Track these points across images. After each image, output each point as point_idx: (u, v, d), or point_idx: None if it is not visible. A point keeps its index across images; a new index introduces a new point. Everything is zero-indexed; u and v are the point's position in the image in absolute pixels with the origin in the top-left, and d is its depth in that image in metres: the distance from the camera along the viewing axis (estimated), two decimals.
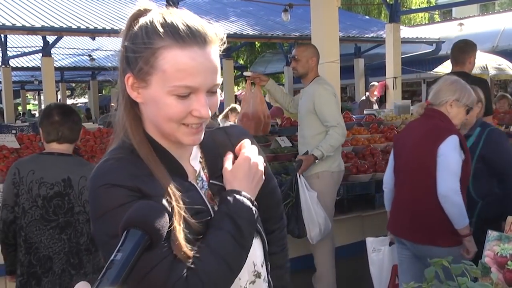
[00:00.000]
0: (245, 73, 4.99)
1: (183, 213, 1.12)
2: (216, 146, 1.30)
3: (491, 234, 2.01)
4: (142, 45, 1.12)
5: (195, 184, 1.23)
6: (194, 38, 1.11)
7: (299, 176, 4.22)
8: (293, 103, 4.85)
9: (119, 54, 1.20)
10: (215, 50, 1.15)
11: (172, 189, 1.14)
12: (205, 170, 1.27)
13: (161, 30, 1.11)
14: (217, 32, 1.17)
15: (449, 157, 3.00)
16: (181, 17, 1.14)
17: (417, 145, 3.18)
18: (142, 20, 1.15)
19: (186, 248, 1.10)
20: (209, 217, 1.19)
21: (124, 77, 1.17)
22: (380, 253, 3.50)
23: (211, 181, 1.26)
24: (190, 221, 1.13)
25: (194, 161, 1.26)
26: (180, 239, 1.10)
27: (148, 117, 1.19)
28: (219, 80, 1.17)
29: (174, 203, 1.12)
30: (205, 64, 1.12)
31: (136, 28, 1.15)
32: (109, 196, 1.12)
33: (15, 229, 2.83)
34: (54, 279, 2.80)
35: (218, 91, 1.19)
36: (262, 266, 1.29)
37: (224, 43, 1.19)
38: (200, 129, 1.17)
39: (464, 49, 4.62)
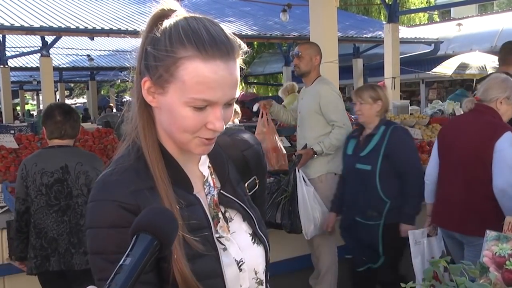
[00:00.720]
0: (254, 108, 4.85)
1: (180, 232, 1.10)
2: (222, 150, 1.29)
3: (490, 234, 2.01)
4: (164, 52, 1.08)
5: (200, 196, 1.20)
6: (218, 50, 1.07)
7: (298, 170, 4.19)
8: (294, 115, 4.81)
9: (138, 54, 1.16)
10: (237, 63, 1.13)
11: (171, 202, 1.12)
12: (213, 176, 1.26)
13: (185, 38, 1.07)
14: (240, 44, 1.15)
15: (506, 152, 3.10)
16: (206, 25, 1.10)
17: (472, 140, 3.25)
18: (166, 24, 1.11)
19: (185, 267, 1.09)
20: (208, 233, 1.17)
21: (141, 80, 1.13)
22: (420, 245, 3.51)
23: (221, 191, 1.24)
24: (186, 237, 1.12)
25: (203, 167, 1.25)
26: (179, 255, 1.08)
27: (161, 123, 1.17)
28: (237, 93, 1.15)
29: None
30: (226, 79, 1.08)
31: (159, 32, 1.10)
32: (105, 213, 1.10)
33: (28, 219, 3.24)
34: (59, 258, 3.18)
35: (234, 103, 1.17)
36: (263, 273, 1.28)
37: (246, 52, 1.17)
38: (212, 140, 1.15)
39: (510, 50, 4.67)
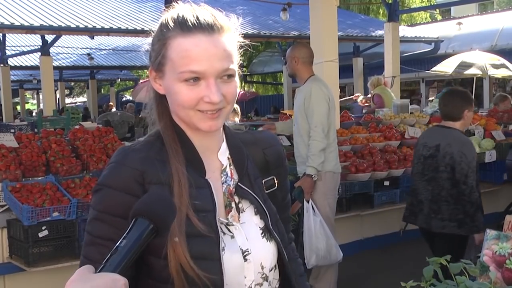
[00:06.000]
0: None
1: (185, 209, 1.15)
2: (244, 146, 1.34)
3: (490, 233, 2.02)
4: (156, 39, 1.21)
5: (212, 182, 1.24)
6: (200, 26, 1.16)
7: (307, 201, 4.20)
8: None
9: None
10: (226, 37, 1.19)
11: (181, 177, 1.18)
12: (232, 167, 1.29)
13: (170, 22, 1.19)
14: (229, 21, 1.22)
15: None
16: (195, 10, 1.20)
17: None
18: (161, 19, 1.23)
19: (179, 244, 1.12)
20: (211, 216, 1.20)
21: (149, 72, 1.25)
22: None
23: (239, 183, 1.28)
24: (190, 215, 1.16)
25: (223, 156, 1.29)
26: (175, 231, 1.12)
27: (170, 106, 1.25)
28: (233, 66, 1.19)
29: (176, 197, 1.15)
30: (209, 50, 1.15)
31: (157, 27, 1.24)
32: (111, 174, 1.19)
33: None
34: (423, 217, 3.88)
35: (237, 80, 1.22)
36: (270, 271, 1.28)
37: (238, 30, 1.24)
38: (216, 115, 1.19)
39: None
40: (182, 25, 1.16)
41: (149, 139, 1.26)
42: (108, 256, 0.92)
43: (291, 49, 4.56)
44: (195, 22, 1.16)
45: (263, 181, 1.33)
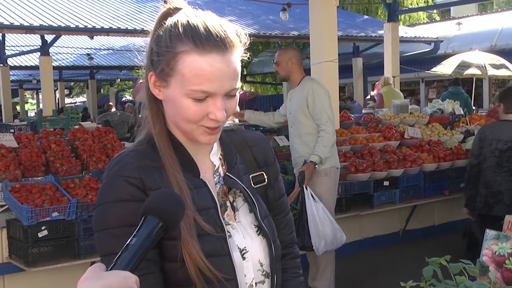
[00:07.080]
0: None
1: (191, 213, 1.16)
2: (233, 145, 1.35)
3: (489, 233, 2.02)
4: (165, 48, 1.17)
5: (207, 181, 1.25)
6: (215, 43, 1.14)
7: (306, 188, 4.23)
8: (276, 115, 4.97)
9: (146, 51, 1.24)
10: (236, 55, 1.18)
11: (181, 185, 1.18)
12: (224, 167, 1.31)
13: (182, 34, 1.15)
14: (239, 36, 1.21)
15: None
16: (205, 20, 1.17)
17: None
18: (168, 22, 1.19)
19: (192, 245, 1.14)
20: (214, 213, 1.22)
21: (148, 75, 1.23)
22: None
23: (226, 173, 1.29)
24: (197, 218, 1.17)
25: (214, 157, 1.30)
26: (185, 235, 1.14)
27: (168, 114, 1.24)
28: (238, 84, 1.20)
29: None
30: (223, 70, 1.15)
31: (161, 30, 1.19)
32: (111, 188, 1.18)
33: (477, 171, 4.33)
34: (503, 207, 4.11)
35: (237, 93, 1.22)
36: (269, 267, 1.29)
37: (246, 44, 1.23)
38: (217, 130, 1.21)
39: None
40: (196, 39, 1.14)
41: (140, 147, 1.25)
42: (119, 254, 0.93)
43: (285, 52, 4.59)
44: (209, 38, 1.14)
45: (251, 176, 1.34)
